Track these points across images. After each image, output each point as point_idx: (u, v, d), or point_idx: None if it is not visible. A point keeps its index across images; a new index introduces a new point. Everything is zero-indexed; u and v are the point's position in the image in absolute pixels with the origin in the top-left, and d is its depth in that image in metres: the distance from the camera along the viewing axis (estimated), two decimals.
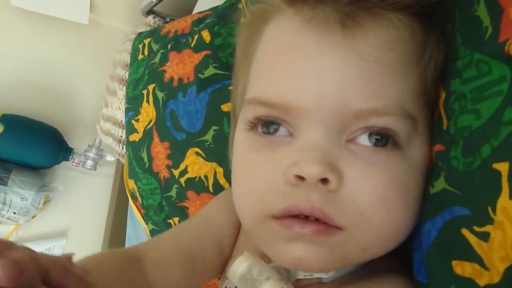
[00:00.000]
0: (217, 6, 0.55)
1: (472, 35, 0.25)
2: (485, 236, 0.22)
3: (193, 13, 0.63)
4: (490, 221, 0.22)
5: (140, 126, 0.58)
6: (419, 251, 0.28)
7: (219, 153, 0.49)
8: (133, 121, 0.59)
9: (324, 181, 0.26)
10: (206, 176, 0.51)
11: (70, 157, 1.15)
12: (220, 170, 0.50)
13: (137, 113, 0.59)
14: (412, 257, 0.30)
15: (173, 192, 0.55)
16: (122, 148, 0.90)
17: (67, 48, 1.18)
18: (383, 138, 0.27)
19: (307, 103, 0.27)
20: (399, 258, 0.34)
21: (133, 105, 0.60)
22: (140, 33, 0.63)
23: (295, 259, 0.28)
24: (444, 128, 0.27)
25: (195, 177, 0.52)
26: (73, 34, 1.16)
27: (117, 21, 1.16)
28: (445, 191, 0.26)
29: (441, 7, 0.29)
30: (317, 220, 0.27)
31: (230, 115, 0.48)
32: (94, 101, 1.19)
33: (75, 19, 1.08)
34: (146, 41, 0.60)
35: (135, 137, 0.59)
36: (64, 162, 1.17)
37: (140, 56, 0.60)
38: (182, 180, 0.53)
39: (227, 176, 0.49)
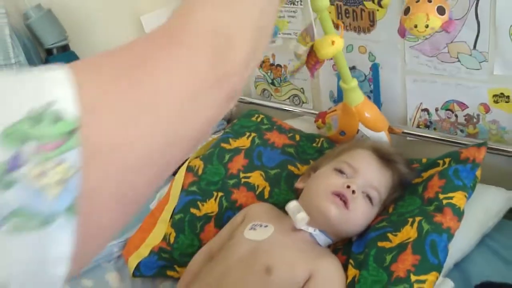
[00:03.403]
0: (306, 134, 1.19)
1: (411, 191, 0.90)
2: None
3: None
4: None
5: (233, 144, 1.13)
6: (363, 241, 0.86)
7: (273, 181, 1.05)
8: (230, 139, 1.14)
9: (353, 192, 0.85)
10: (258, 185, 1.05)
11: None
12: (268, 189, 1.05)
13: (235, 138, 1.14)
14: (353, 244, 0.87)
15: (232, 182, 1.07)
16: None
17: None
18: (369, 197, 0.87)
19: (362, 174, 0.88)
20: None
21: (233, 133, 1.16)
22: (257, 111, 1.24)
23: (329, 209, 0.84)
24: (389, 211, 0.89)
25: (252, 183, 1.06)
26: None
27: None
28: (384, 226, 0.86)
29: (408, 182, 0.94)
30: (344, 202, 0.85)
31: (287, 170, 1.06)
32: None
33: None
34: (261, 116, 1.20)
35: (225, 146, 1.13)
36: None
37: (253, 119, 1.20)
38: (243, 180, 1.06)
39: (271, 194, 1.04)
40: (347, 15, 1.14)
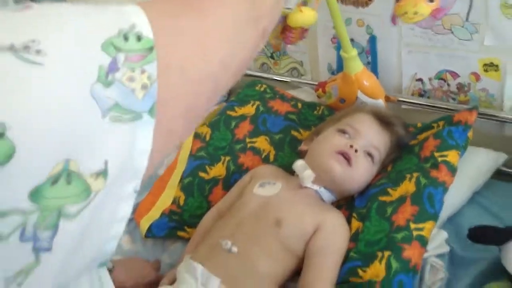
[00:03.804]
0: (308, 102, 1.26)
1: (408, 152, 0.98)
2: None
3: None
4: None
5: (239, 111, 1.19)
6: (365, 196, 0.93)
7: (278, 145, 1.12)
8: (235, 107, 1.21)
9: (356, 151, 0.93)
10: (263, 149, 1.12)
11: None
12: (273, 152, 1.12)
13: (240, 106, 1.21)
14: (355, 201, 0.95)
15: (238, 146, 1.13)
16: None
17: None
18: (370, 155, 0.95)
19: (363, 135, 0.96)
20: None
21: (238, 101, 1.22)
22: (260, 81, 1.30)
23: (333, 167, 0.91)
24: (388, 169, 0.97)
25: (258, 147, 1.13)
26: None
27: None
28: (384, 182, 0.93)
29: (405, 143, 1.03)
30: (348, 160, 0.92)
31: (291, 135, 1.13)
32: None
33: None
34: (264, 86, 1.27)
35: (231, 113, 1.19)
36: None
37: (257, 88, 1.26)
38: (249, 144, 1.13)
39: (276, 157, 1.11)
40: None
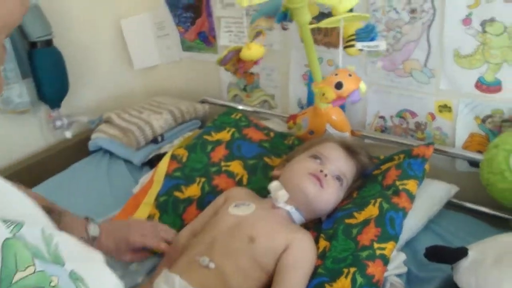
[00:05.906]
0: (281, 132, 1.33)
1: (372, 180, 1.06)
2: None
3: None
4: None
5: (215, 136, 1.25)
6: (332, 219, 1.00)
7: (251, 169, 1.18)
8: (212, 132, 1.26)
9: (326, 175, 1.00)
10: (237, 173, 1.18)
11: (54, 109, 1.60)
12: (246, 176, 1.17)
13: (216, 132, 1.26)
14: (323, 223, 1.01)
15: (213, 169, 1.18)
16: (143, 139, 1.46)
17: None
18: (339, 180, 1.03)
19: (332, 161, 1.04)
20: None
21: (215, 128, 1.28)
22: (236, 110, 1.37)
23: (307, 188, 0.98)
24: (354, 196, 1.04)
25: (232, 171, 1.18)
26: None
27: None
28: (350, 207, 1.01)
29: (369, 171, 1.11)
30: (319, 181, 0.99)
31: (263, 161, 1.20)
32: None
33: None
34: (239, 114, 1.33)
35: (207, 138, 1.25)
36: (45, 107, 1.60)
37: (232, 116, 1.32)
38: (223, 168, 1.18)
39: (249, 181, 1.16)
40: (320, 31, 1.31)
